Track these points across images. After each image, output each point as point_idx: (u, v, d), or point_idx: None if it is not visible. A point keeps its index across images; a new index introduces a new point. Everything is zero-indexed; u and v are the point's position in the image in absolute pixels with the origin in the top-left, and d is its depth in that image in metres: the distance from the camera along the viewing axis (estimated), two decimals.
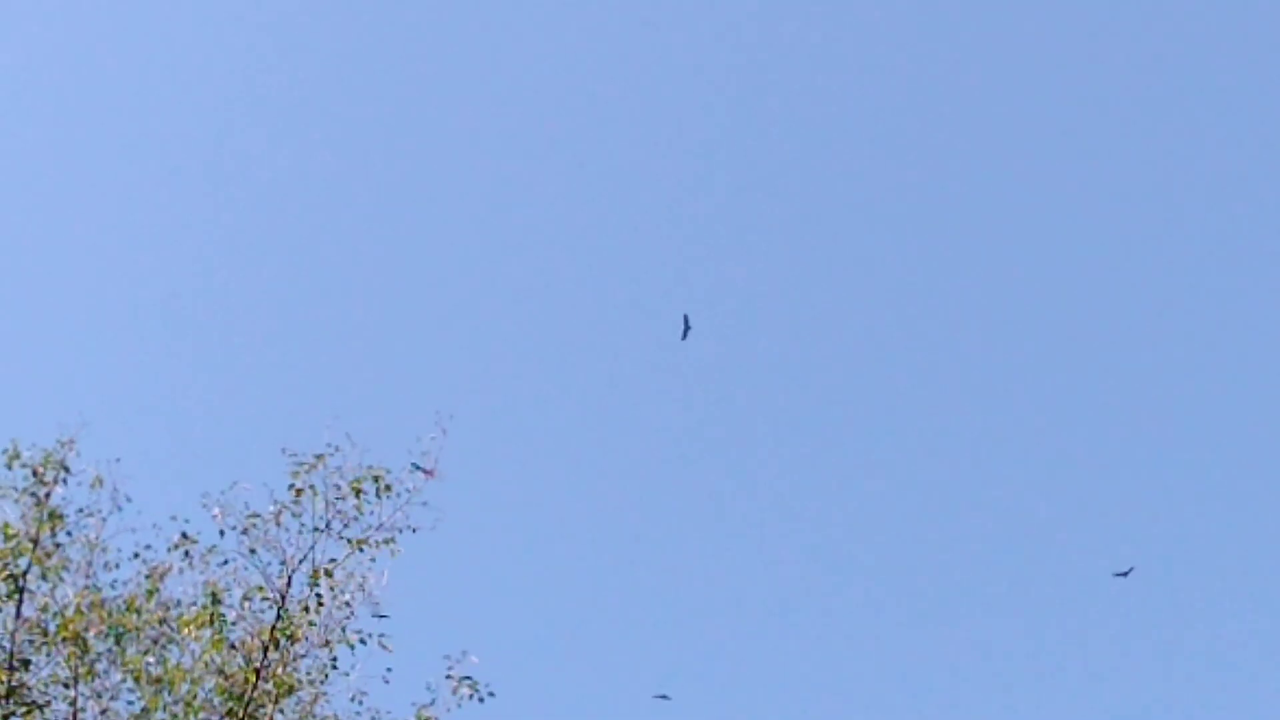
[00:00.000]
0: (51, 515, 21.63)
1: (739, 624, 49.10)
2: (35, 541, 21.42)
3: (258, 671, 20.90)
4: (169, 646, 21.41)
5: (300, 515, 21.80)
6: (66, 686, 21.06)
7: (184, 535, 21.95)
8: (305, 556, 21.65)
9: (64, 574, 21.57)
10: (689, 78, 55.02)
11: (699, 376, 52.70)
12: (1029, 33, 54.99)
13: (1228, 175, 54.56)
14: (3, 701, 20.64)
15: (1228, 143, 54.60)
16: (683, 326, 28.97)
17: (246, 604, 21.50)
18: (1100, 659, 48.17)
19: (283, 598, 21.39)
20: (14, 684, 20.79)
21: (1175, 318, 53.33)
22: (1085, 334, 53.32)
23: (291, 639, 21.23)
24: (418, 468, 22.08)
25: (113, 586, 21.80)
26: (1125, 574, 34.68)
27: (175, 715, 21.01)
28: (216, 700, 20.98)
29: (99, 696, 21.08)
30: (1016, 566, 50.08)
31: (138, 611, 21.45)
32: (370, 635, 21.49)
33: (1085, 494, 50.00)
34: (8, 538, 21.41)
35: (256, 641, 21.14)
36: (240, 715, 20.82)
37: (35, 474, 21.76)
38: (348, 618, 21.61)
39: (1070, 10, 54.16)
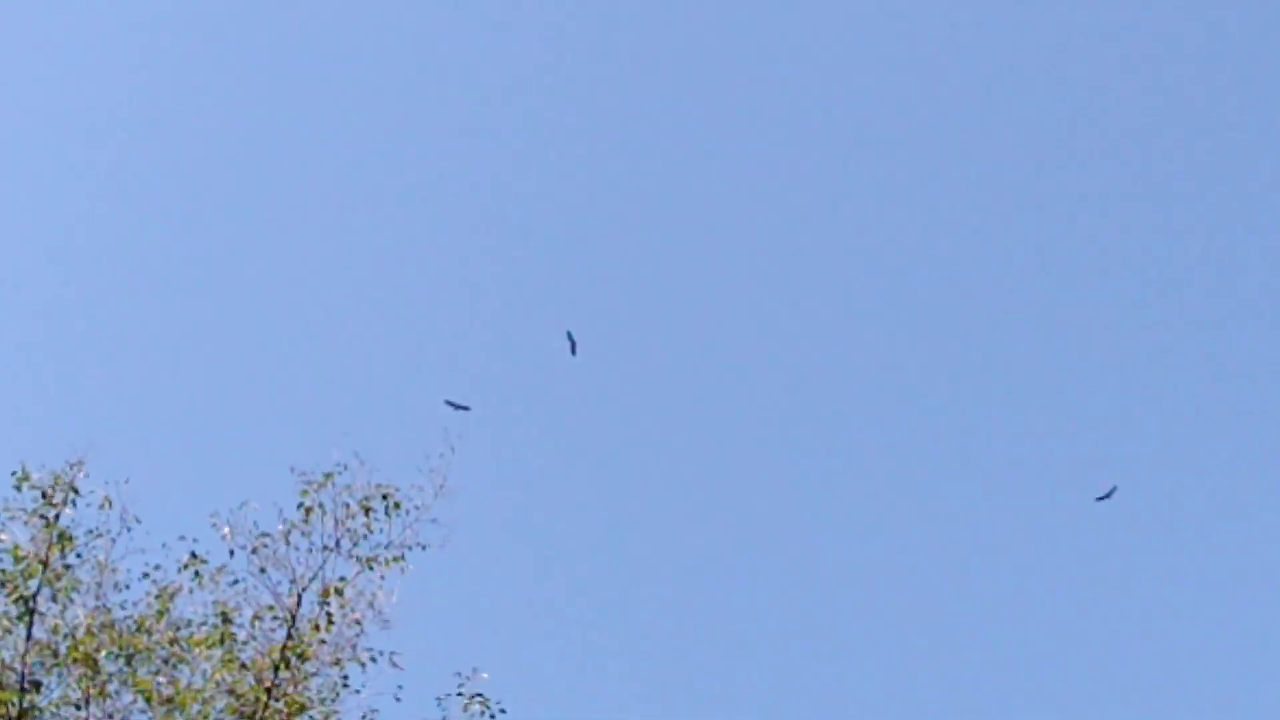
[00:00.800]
0: (61, 537, 21.64)
1: (750, 638, 49.08)
2: (45, 563, 21.43)
3: (269, 691, 20.90)
4: (180, 667, 21.41)
5: (309, 534, 21.83)
6: (78, 708, 21.06)
7: (193, 555, 21.97)
8: (315, 575, 21.66)
9: (74, 595, 21.59)
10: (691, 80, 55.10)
11: (705, 389, 52.74)
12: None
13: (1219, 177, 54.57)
14: None
15: (1219, 147, 54.61)
16: (569, 344, 28.68)
17: (257, 623, 21.51)
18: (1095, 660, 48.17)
19: (293, 616, 21.39)
20: (26, 706, 20.80)
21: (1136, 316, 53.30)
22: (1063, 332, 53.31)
23: (302, 658, 21.22)
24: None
25: (123, 607, 21.81)
26: (1107, 496, 34.08)
27: None
28: (228, 719, 20.98)
29: (110, 718, 21.08)
30: (1013, 565, 50.06)
31: (148, 632, 21.45)
32: (381, 653, 21.50)
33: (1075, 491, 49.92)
34: (18, 560, 21.42)
35: (267, 661, 21.14)
36: None
37: (44, 496, 21.78)
38: (358, 636, 21.62)
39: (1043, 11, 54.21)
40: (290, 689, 21.05)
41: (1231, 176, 54.35)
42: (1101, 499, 33.96)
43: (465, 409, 21.32)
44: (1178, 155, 54.43)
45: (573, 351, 28.56)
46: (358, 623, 21.61)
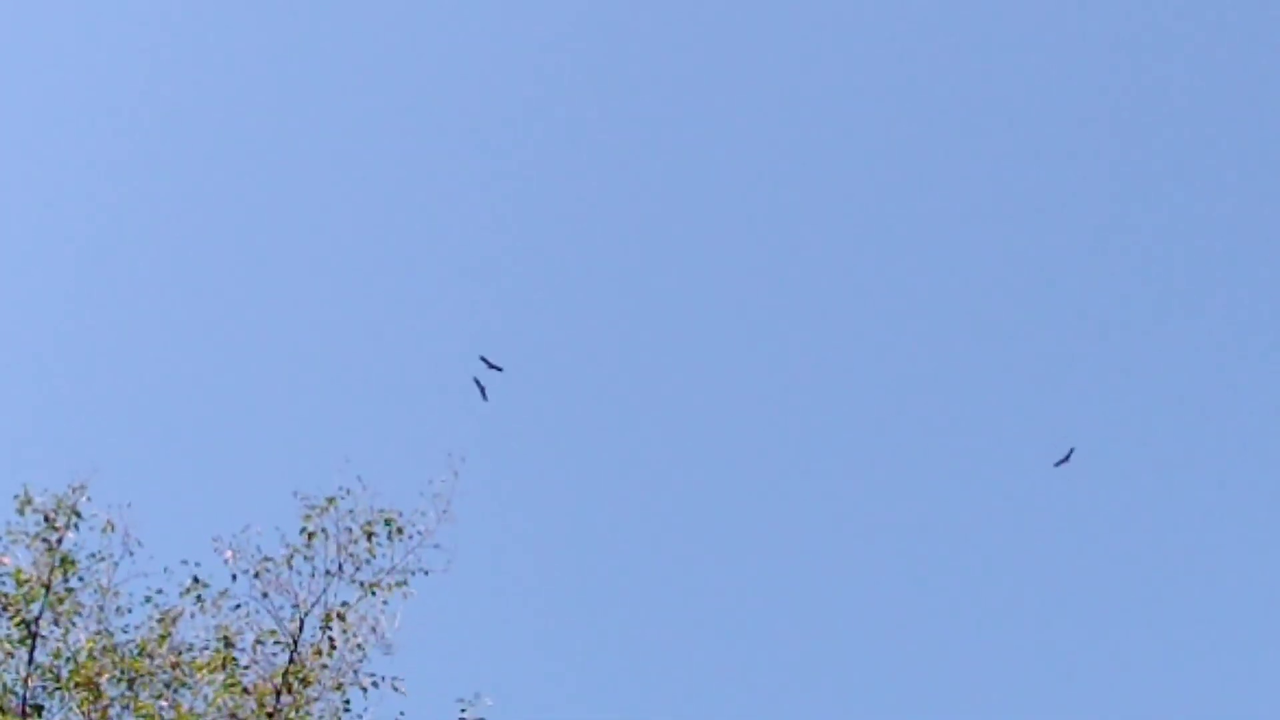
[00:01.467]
0: (64, 560, 21.64)
1: (759, 657, 49.02)
2: (47, 587, 21.42)
3: (270, 715, 20.88)
4: (181, 691, 21.39)
5: (312, 559, 21.83)
6: None
7: (195, 579, 21.96)
8: (317, 600, 21.65)
9: (76, 619, 21.57)
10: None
11: (712, 405, 52.76)
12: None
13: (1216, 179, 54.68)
14: None
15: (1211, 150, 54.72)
16: (486, 379, 28.45)
17: (259, 648, 21.49)
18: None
19: (295, 641, 21.38)
20: None
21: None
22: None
23: (304, 682, 21.20)
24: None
25: (125, 631, 21.79)
26: (1065, 460, 33.57)
27: None
28: None
29: None
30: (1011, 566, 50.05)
31: (150, 656, 21.44)
32: (383, 678, 21.48)
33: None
34: (20, 583, 21.41)
35: (269, 685, 21.12)
36: None
37: (47, 519, 21.78)
38: (360, 660, 21.61)
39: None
40: (292, 714, 21.02)
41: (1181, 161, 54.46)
42: (1060, 463, 33.51)
43: (499, 369, 21.23)
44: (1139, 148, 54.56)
45: (496, 370, 28.26)
46: (360, 647, 21.60)
